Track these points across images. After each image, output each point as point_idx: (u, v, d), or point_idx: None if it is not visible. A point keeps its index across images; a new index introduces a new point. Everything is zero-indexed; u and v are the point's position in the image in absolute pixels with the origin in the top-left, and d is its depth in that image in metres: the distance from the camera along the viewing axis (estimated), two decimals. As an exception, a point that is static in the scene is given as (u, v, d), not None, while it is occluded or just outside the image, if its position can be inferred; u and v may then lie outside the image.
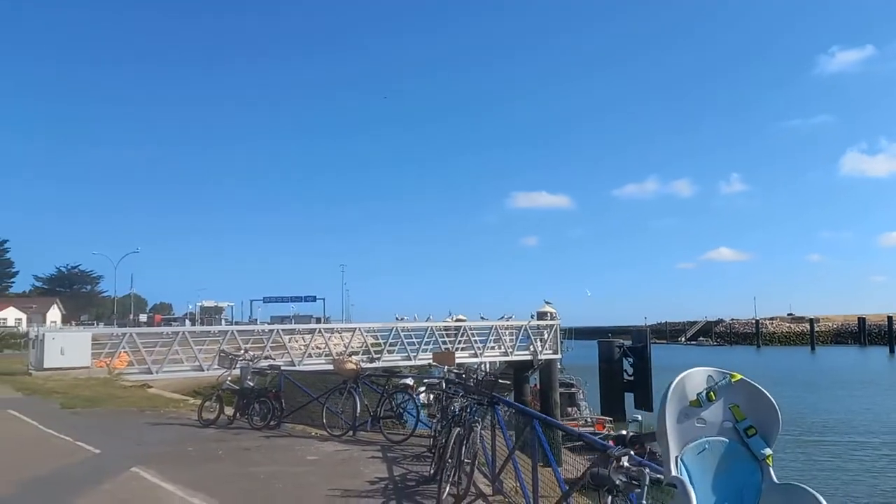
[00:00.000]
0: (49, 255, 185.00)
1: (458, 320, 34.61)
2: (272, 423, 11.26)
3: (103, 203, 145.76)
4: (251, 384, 11.94)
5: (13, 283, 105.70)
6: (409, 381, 10.57)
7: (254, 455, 9.03)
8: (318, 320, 73.38)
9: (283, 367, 12.68)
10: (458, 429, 6.53)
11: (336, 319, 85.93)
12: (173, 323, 72.88)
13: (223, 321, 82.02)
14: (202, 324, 62.61)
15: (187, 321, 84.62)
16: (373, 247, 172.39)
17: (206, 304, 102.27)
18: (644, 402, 35.12)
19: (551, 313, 36.00)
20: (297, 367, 20.38)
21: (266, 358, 13.93)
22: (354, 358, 11.05)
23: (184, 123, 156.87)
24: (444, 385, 9.46)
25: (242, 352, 13.17)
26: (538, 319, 34.09)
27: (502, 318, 34.03)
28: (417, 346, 28.60)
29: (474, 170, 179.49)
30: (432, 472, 7.45)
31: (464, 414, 6.75)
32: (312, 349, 26.99)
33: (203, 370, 24.56)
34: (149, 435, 10.49)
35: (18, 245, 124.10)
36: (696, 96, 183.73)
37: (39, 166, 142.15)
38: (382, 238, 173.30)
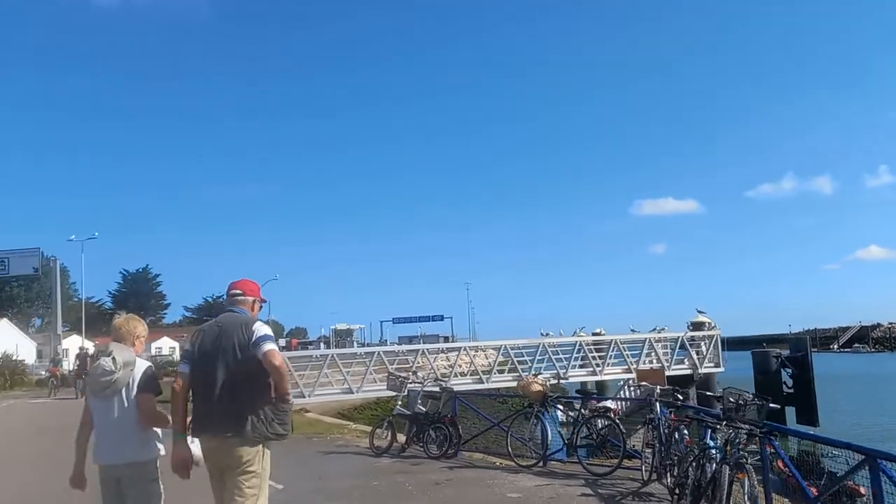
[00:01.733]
0: (197, 286, 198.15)
1: (594, 334, 32.91)
2: (449, 451, 10.30)
3: (244, 238, 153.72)
4: (422, 409, 11.07)
5: (165, 314, 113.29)
6: (611, 405, 9.22)
7: (447, 491, 8.04)
8: (446, 339, 73.04)
9: (456, 390, 11.71)
10: (726, 467, 5.17)
11: (462, 338, 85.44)
12: (309, 346, 74.83)
13: (354, 343, 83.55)
14: (336, 346, 63.81)
15: (322, 344, 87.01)
16: (495, 265, 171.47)
17: (339, 326, 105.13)
18: (808, 417, 31.62)
19: (708, 323, 33.58)
20: (465, 389, 19.28)
21: (436, 380, 13.02)
22: (540, 378, 9.81)
23: (304, 164, 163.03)
24: (657, 408, 8.12)
25: (410, 374, 12.33)
26: (693, 330, 31.84)
27: (654, 329, 31.92)
28: (566, 361, 27.16)
29: (595, 181, 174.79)
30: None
31: (730, 448, 5.38)
32: (457, 368, 26.17)
33: (353, 392, 24.30)
34: (326, 466, 9.78)
35: (169, 278, 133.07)
36: (834, 84, 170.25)
37: (181, 206, 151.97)
38: (504, 256, 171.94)
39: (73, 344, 57.15)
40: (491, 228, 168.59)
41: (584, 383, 29.90)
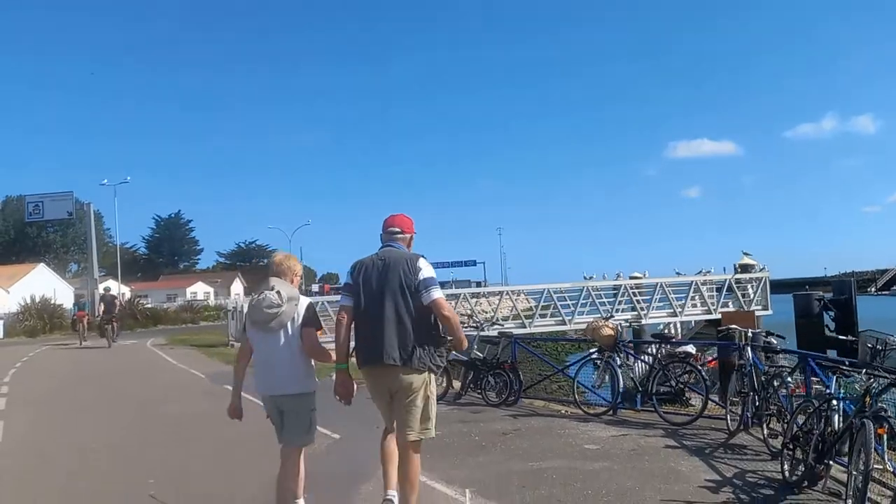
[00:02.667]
0: (229, 232, 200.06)
1: (633, 277, 32.08)
2: (510, 398, 9.70)
3: (279, 184, 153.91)
4: (479, 354, 10.44)
5: (199, 259, 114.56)
6: (691, 349, 8.47)
7: (517, 442, 7.41)
8: (478, 284, 72.71)
9: (515, 334, 11.04)
10: (869, 422, 4.39)
11: (494, 283, 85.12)
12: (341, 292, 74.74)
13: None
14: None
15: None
16: (526, 209, 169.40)
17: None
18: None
19: (755, 265, 32.67)
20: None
21: (494, 324, 12.38)
22: (612, 322, 9.07)
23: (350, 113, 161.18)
24: (748, 353, 7.34)
25: (467, 318, 11.67)
26: (740, 272, 30.96)
27: (699, 272, 30.96)
28: (610, 306, 26.43)
29: (628, 121, 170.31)
30: (793, 476, 5.42)
31: (868, 399, 4.59)
32: (498, 312, 25.56)
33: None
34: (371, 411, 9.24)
35: (202, 224, 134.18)
36: (876, 15, 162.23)
37: (211, 152, 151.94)
38: (535, 200, 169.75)
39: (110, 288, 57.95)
40: (519, 174, 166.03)
41: (630, 325, 29.34)
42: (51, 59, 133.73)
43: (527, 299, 31.24)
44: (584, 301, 26.65)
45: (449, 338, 4.36)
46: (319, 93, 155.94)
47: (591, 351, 9.65)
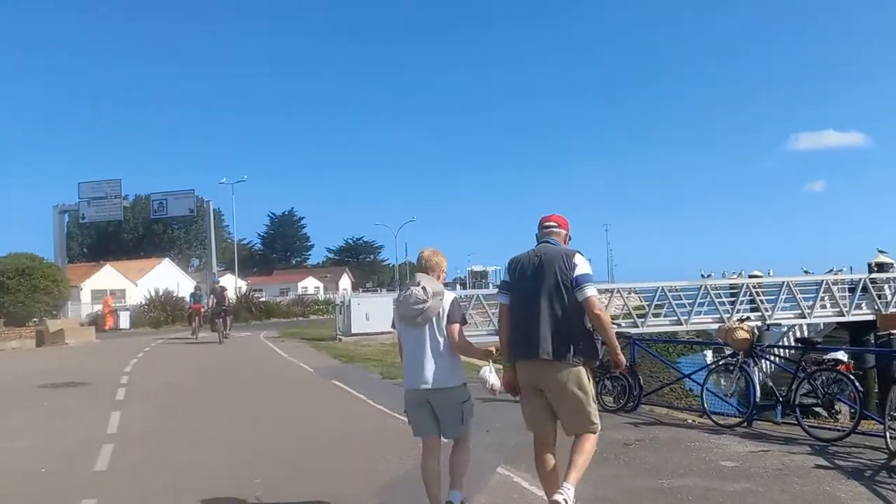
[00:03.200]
0: (338, 228, 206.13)
1: (752, 276, 30.18)
2: (628, 404, 9.02)
3: (384, 181, 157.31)
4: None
5: (310, 255, 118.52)
6: (842, 356, 7.51)
7: (643, 454, 6.77)
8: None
9: (634, 336, 10.31)
10: None
11: (600, 281, 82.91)
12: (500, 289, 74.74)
13: (490, 285, 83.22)
14: (472, 288, 63.64)
15: (457, 286, 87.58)
16: (636, 205, 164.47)
17: (475, 268, 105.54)
18: None
19: (892, 263, 30.11)
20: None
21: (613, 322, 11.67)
22: (747, 324, 8.24)
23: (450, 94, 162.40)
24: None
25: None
26: (876, 272, 28.56)
27: (830, 271, 28.74)
28: (730, 307, 24.92)
29: (748, 113, 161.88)
30: None
31: None
32: (610, 310, 24.58)
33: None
34: (491, 416, 8.79)
35: (312, 221, 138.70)
36: None
37: (330, 149, 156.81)
38: (644, 196, 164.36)
39: (228, 283, 60.81)
40: (630, 166, 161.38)
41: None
42: (187, 70, 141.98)
43: (638, 297, 29.97)
44: (701, 301, 25.35)
45: (598, 337, 4.35)
46: (424, 94, 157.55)
47: (726, 355, 8.83)
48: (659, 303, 25.94)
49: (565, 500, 4.05)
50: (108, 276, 61.14)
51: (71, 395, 11.14)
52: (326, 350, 18.00)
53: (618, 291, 26.20)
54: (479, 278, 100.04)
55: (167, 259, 73.68)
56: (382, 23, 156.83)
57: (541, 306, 4.23)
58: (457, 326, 4.44)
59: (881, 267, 28.85)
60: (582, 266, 4.27)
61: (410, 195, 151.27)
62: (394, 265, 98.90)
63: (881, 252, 32.82)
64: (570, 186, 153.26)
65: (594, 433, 4.38)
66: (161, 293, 36.20)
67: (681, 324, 24.63)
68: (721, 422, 8.09)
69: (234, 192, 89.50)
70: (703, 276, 30.34)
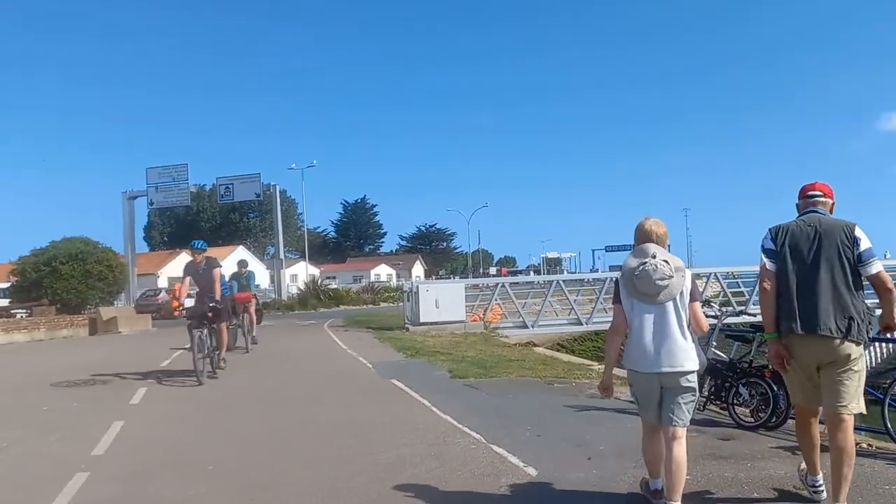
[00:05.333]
0: (411, 216, 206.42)
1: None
2: (772, 419, 6.81)
3: (460, 164, 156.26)
4: (721, 355, 7.63)
5: (383, 242, 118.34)
6: None
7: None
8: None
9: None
10: None
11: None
12: (519, 276, 72.70)
13: (564, 272, 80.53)
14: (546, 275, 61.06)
15: (531, 272, 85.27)
16: (715, 191, 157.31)
17: (549, 255, 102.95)
18: None
19: None
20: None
21: (741, 313, 9.43)
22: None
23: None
24: None
25: (704, 305, 8.79)
26: None
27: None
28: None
29: (834, 92, 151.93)
30: None
31: None
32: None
33: (582, 324, 21.23)
34: (589, 434, 6.74)
35: (384, 209, 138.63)
36: None
37: (405, 136, 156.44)
38: (726, 180, 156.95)
39: (301, 270, 60.42)
40: (710, 150, 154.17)
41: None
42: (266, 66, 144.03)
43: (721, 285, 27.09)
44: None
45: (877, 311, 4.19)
46: (498, 82, 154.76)
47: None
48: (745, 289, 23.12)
49: None
50: (183, 264, 61.64)
51: (81, 396, 9.56)
52: (391, 341, 16.23)
53: (714, 275, 23.41)
54: (553, 265, 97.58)
55: (241, 247, 74.20)
56: (458, 11, 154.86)
57: (821, 279, 4.07)
58: (699, 305, 4.25)
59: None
60: (865, 240, 4.10)
61: (483, 182, 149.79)
62: (466, 252, 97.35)
63: None
64: (648, 175, 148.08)
65: (852, 416, 4.11)
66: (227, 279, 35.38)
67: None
68: (912, 450, 5.82)
69: (305, 179, 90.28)
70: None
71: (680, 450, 4.10)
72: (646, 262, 4.11)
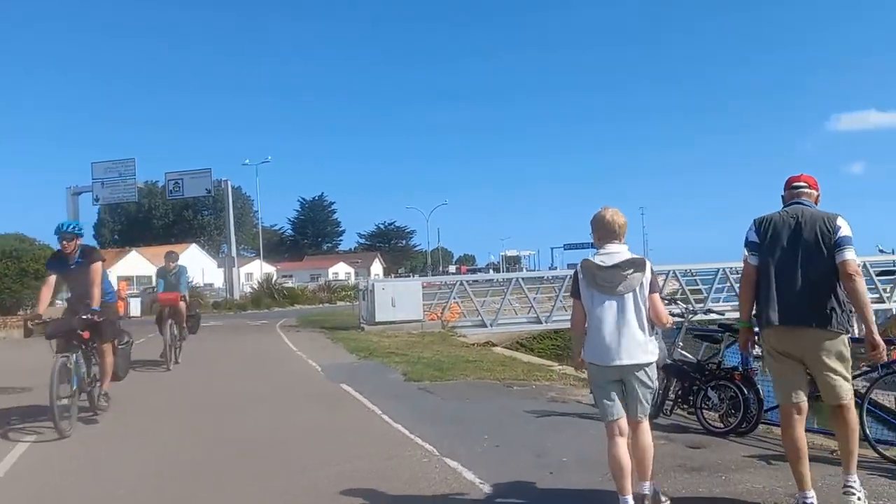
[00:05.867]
0: (369, 214, 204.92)
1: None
2: (743, 424, 6.41)
3: (417, 162, 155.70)
4: (688, 356, 7.22)
5: (341, 240, 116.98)
6: None
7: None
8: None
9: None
10: None
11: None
12: (478, 273, 72.50)
13: (523, 269, 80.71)
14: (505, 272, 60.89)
15: (490, 271, 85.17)
16: (672, 190, 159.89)
17: (509, 253, 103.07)
18: None
19: None
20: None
21: (708, 311, 9.04)
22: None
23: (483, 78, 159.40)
24: None
25: (670, 303, 8.36)
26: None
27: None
28: None
29: (789, 93, 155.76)
30: None
31: None
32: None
33: (541, 322, 20.86)
34: (550, 441, 6.24)
35: (342, 207, 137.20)
36: None
37: (359, 132, 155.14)
38: (679, 180, 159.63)
39: (256, 269, 59.12)
40: (667, 150, 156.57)
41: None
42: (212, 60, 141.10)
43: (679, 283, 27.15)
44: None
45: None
46: (455, 81, 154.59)
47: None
48: (720, 286, 23.11)
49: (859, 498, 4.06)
50: (134, 263, 59.95)
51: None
52: (344, 342, 15.57)
53: (673, 273, 23.31)
54: (512, 263, 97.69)
55: (194, 245, 72.38)
56: (416, 8, 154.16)
57: (799, 271, 4.06)
58: (658, 296, 4.19)
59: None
60: (845, 229, 4.04)
61: (443, 180, 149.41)
62: (426, 250, 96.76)
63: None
64: (605, 174, 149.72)
65: (847, 402, 4.08)
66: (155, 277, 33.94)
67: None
68: (890, 453, 5.45)
69: (261, 175, 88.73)
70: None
71: (645, 437, 4.08)
72: (605, 254, 4.11)
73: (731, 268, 22.77)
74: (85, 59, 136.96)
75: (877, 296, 22.80)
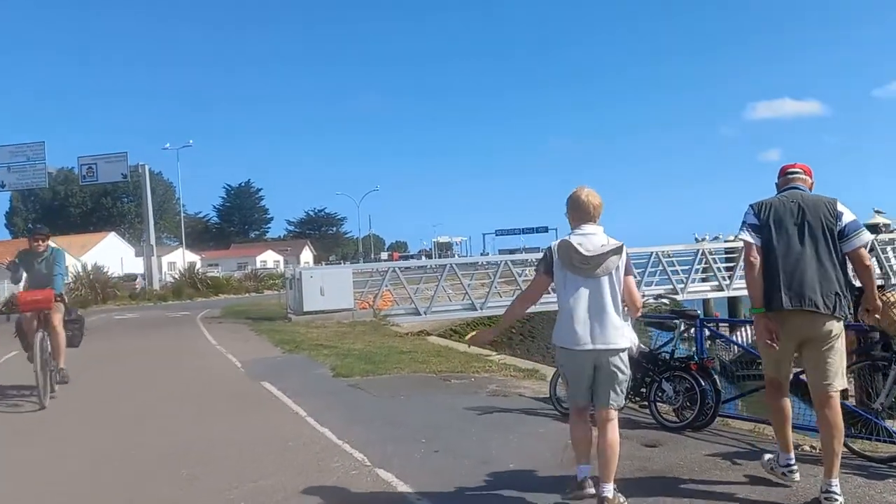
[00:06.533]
0: (298, 200, 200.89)
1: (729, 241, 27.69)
2: (699, 418, 5.94)
3: (348, 149, 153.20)
4: (641, 346, 6.70)
5: (269, 228, 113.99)
6: None
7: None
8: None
9: (701, 317, 7.06)
10: None
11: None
12: (411, 260, 71.89)
13: (455, 256, 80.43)
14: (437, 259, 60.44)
15: (423, 257, 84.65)
16: (595, 170, 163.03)
17: (441, 239, 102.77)
18: None
19: (887, 224, 28.27)
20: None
21: (658, 297, 8.57)
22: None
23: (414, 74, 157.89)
24: None
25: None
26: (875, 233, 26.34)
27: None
28: (684, 275, 22.65)
29: (706, 81, 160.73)
30: None
31: None
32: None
33: (477, 309, 20.34)
34: (495, 443, 5.61)
35: (270, 193, 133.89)
36: None
37: (288, 118, 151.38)
38: (603, 167, 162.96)
39: (179, 258, 56.73)
40: (595, 140, 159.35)
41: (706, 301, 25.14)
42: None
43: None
44: (696, 267, 23.01)
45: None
46: (378, 54, 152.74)
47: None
48: (652, 269, 23.18)
49: None
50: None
51: None
52: (269, 334, 14.62)
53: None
54: (444, 249, 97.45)
55: (113, 233, 68.97)
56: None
57: (806, 254, 3.98)
58: (633, 279, 4.08)
59: (874, 228, 26.62)
60: (848, 214, 4.06)
61: (373, 167, 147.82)
62: (357, 237, 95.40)
63: (878, 212, 30.48)
64: (536, 162, 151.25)
65: (837, 392, 4.00)
66: (90, 269, 31.93)
67: (677, 293, 21.90)
68: (869, 452, 5.04)
69: (182, 161, 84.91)
70: (696, 239, 27.54)
71: (613, 433, 3.95)
72: (581, 235, 3.98)
73: (662, 251, 22.90)
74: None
75: (716, 283, 23.39)
